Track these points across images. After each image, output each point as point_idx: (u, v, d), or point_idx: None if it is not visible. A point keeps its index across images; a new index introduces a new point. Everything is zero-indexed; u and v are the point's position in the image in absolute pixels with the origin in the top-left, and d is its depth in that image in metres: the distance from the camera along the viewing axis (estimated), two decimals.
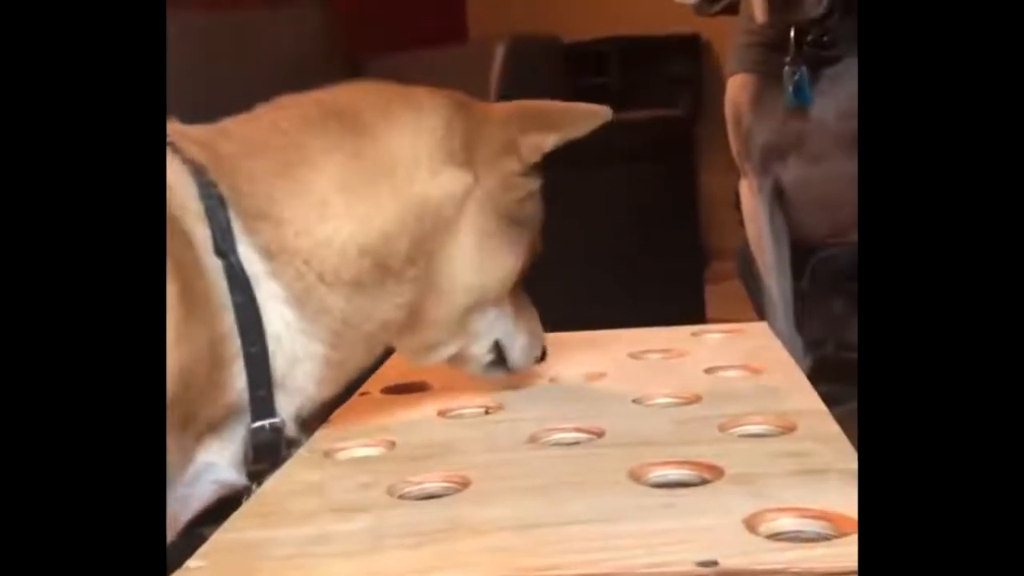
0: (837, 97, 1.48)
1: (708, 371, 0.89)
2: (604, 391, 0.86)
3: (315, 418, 0.78)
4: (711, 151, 2.70)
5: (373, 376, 0.94)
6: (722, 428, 0.72)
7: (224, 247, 0.68)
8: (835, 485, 0.59)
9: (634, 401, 0.80)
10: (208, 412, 0.68)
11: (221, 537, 0.58)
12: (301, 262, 0.70)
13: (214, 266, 0.68)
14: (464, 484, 0.64)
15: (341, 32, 2.55)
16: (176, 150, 0.70)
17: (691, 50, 3.74)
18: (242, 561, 0.55)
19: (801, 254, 1.67)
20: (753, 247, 1.68)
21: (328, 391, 0.76)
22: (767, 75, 1.53)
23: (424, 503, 0.62)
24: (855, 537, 0.52)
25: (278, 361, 0.71)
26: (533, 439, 0.73)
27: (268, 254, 0.70)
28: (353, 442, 0.75)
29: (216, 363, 0.68)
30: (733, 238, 1.84)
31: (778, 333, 1.62)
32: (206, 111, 0.78)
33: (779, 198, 1.63)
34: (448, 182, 0.75)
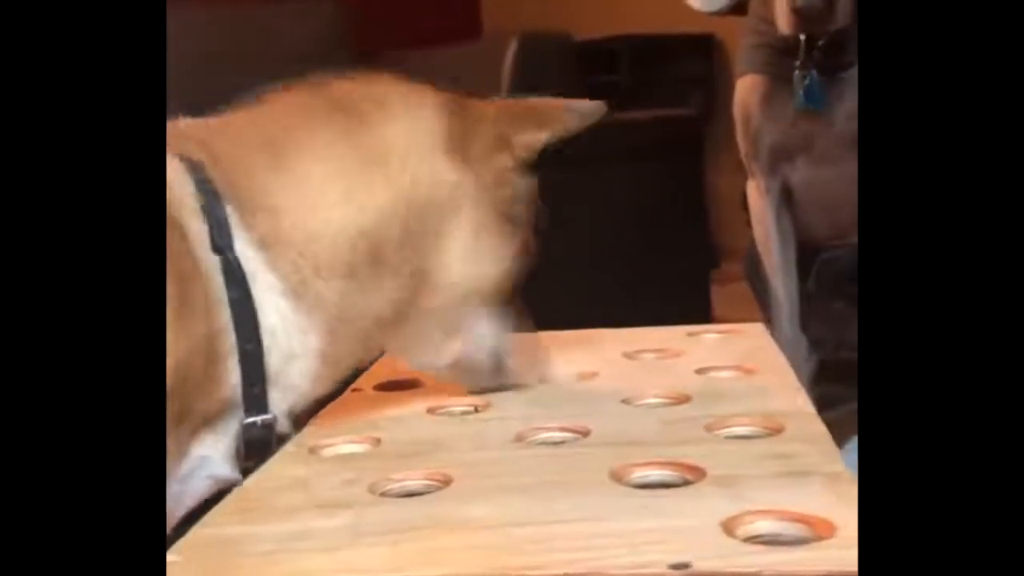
0: (846, 100, 1.48)
1: (700, 371, 0.89)
2: (594, 390, 0.85)
3: (307, 414, 0.78)
4: (722, 151, 2.70)
5: (366, 373, 0.94)
6: (708, 429, 0.71)
7: (221, 243, 0.69)
8: (817, 488, 0.59)
9: (623, 401, 0.80)
10: (203, 407, 0.69)
11: (199, 532, 0.58)
12: (296, 254, 0.70)
13: (210, 261, 0.68)
14: (446, 482, 0.64)
15: (351, 28, 2.56)
16: (172, 146, 0.70)
17: (703, 49, 3.74)
18: (219, 557, 0.55)
19: (807, 255, 1.67)
20: (760, 248, 1.68)
21: (322, 388, 0.76)
22: (776, 76, 1.53)
23: (405, 500, 0.62)
24: (833, 541, 0.51)
25: (273, 357, 0.71)
26: (519, 438, 0.73)
27: (264, 246, 0.70)
28: (339, 439, 0.75)
29: (211, 358, 0.68)
30: (742, 239, 1.84)
31: (783, 334, 1.63)
32: (212, 106, 0.78)
33: (787, 199, 1.63)
34: (442, 173, 0.75)
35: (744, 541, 0.52)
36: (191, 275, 0.67)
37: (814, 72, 1.47)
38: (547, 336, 1.04)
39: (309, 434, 0.77)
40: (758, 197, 1.64)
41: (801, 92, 1.49)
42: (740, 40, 1.67)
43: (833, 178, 1.55)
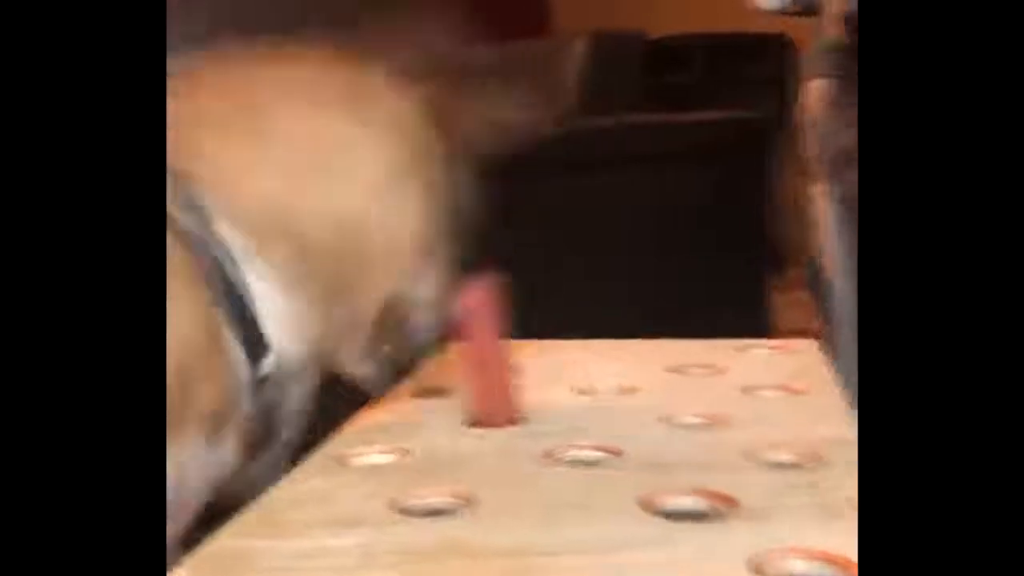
0: None
1: (745, 390, 0.86)
2: (632, 407, 0.83)
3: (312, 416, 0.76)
4: (789, 155, 2.64)
5: (408, 378, 0.92)
6: (745, 455, 0.69)
7: (203, 224, 0.67)
8: (850, 525, 0.56)
9: (660, 419, 0.78)
10: (203, 404, 0.67)
11: (212, 545, 0.57)
12: (279, 233, 0.68)
13: (197, 242, 0.67)
14: (469, 501, 0.63)
15: None
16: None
17: (777, 51, 3.67)
18: (223, 572, 0.54)
19: None
20: (822, 254, 1.65)
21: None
22: (844, 80, 1.50)
23: (422, 520, 0.60)
24: None
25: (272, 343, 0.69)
26: (549, 455, 0.71)
27: (240, 225, 0.68)
28: (368, 448, 0.74)
29: (211, 349, 0.66)
30: (805, 246, 1.80)
31: (844, 341, 1.59)
32: None
33: (851, 205, 1.59)
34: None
35: None
36: (177, 260, 0.65)
37: None
38: (591, 344, 1.03)
39: (338, 441, 0.76)
40: (822, 202, 1.61)
41: None
42: (810, 43, 1.64)
43: None
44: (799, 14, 1.58)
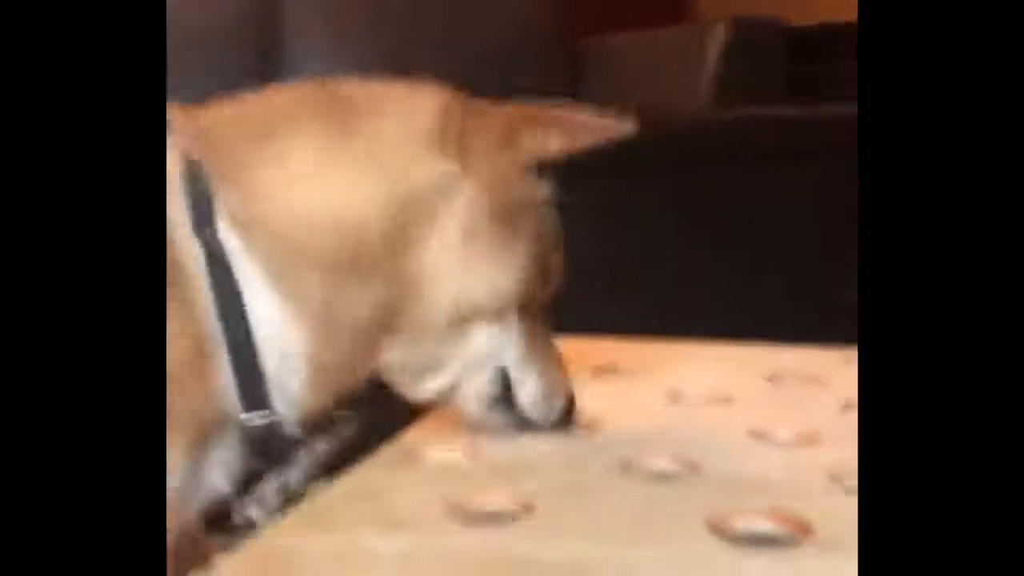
0: None
1: (845, 407, 0.80)
2: (719, 418, 0.79)
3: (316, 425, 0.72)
4: None
5: None
6: (832, 478, 0.64)
7: (202, 223, 0.64)
8: None
9: (749, 434, 0.73)
10: (193, 410, 0.64)
11: (260, 539, 0.56)
12: (269, 234, 0.66)
13: (192, 246, 0.64)
14: (529, 509, 0.60)
15: (561, 12, 2.52)
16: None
17: None
18: (262, 567, 0.53)
19: None
20: None
21: (319, 397, 0.69)
22: None
23: (475, 529, 0.58)
24: None
25: (264, 351, 0.66)
26: (623, 465, 0.67)
27: (244, 225, 0.65)
28: (440, 445, 0.72)
29: (198, 352, 0.64)
30: None
31: None
32: None
33: None
34: (433, 170, 0.69)
35: None
36: (171, 261, 0.62)
37: None
38: (689, 347, 0.98)
39: (412, 435, 0.75)
40: None
41: None
42: None
43: None
44: None
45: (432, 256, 0.69)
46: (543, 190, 0.73)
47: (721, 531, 0.56)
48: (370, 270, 0.68)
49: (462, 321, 0.70)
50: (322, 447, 0.71)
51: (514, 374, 0.74)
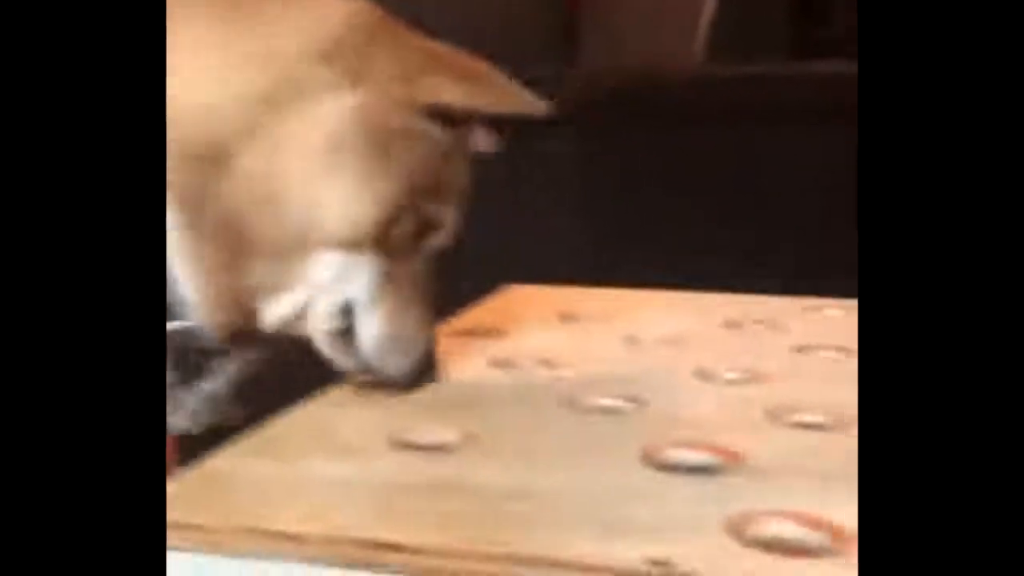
0: None
1: (800, 349, 0.82)
2: (669, 359, 0.80)
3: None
4: None
5: (453, 319, 0.92)
6: (770, 414, 0.66)
7: None
8: (849, 497, 0.52)
9: (695, 373, 0.75)
10: None
11: (204, 462, 0.58)
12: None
13: None
14: (473, 439, 0.62)
15: None
16: None
17: None
18: (212, 491, 0.54)
19: None
20: None
21: (220, 310, 0.68)
22: None
23: (420, 457, 0.59)
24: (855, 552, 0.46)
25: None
26: (568, 401, 0.69)
27: None
28: None
29: None
30: None
31: None
32: None
33: None
34: (311, 75, 0.67)
35: (747, 545, 0.47)
36: None
37: None
38: (654, 295, 1.00)
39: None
40: None
41: None
42: None
43: None
44: None
45: (291, 158, 0.67)
46: (445, 138, 0.70)
47: (654, 461, 0.58)
48: (232, 159, 0.66)
49: (309, 239, 0.68)
50: (245, 359, 0.72)
51: (359, 312, 0.70)
